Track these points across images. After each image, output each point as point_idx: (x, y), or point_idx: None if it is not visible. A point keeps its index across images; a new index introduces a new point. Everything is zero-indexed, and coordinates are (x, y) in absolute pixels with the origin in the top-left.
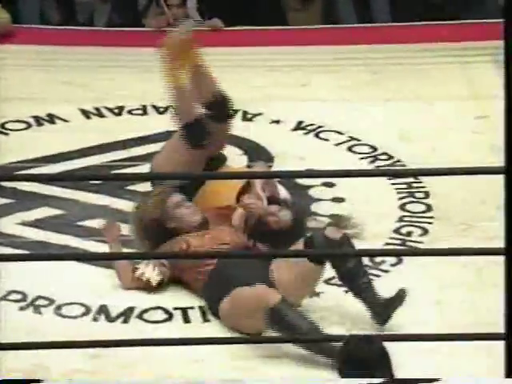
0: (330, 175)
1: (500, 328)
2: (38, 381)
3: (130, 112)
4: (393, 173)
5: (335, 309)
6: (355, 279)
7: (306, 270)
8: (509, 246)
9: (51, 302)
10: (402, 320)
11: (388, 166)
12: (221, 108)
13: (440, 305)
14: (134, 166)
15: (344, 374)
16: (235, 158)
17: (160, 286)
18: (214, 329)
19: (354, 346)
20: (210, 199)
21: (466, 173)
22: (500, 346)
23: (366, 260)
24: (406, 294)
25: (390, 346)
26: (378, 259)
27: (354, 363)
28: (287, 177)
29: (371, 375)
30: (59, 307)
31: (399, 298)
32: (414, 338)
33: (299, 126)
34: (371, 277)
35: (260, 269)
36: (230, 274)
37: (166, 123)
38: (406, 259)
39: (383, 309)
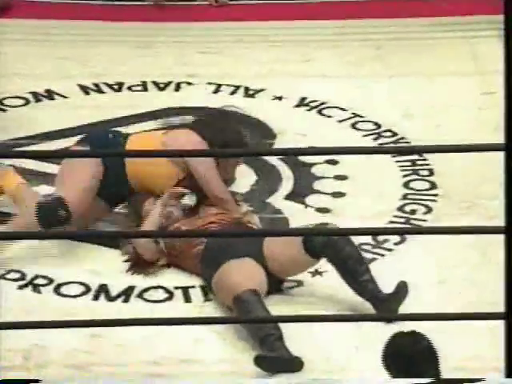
0: (332, 152)
1: (502, 307)
2: (37, 381)
3: (129, 88)
4: (397, 150)
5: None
6: (356, 277)
7: (300, 258)
8: (509, 225)
9: (50, 281)
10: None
11: (392, 143)
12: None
13: (442, 284)
14: None
15: (391, 370)
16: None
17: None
18: (215, 308)
19: (400, 342)
20: (149, 181)
21: (467, 150)
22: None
23: (369, 239)
24: (407, 286)
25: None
26: (381, 238)
27: (401, 359)
28: (289, 154)
29: (418, 372)
30: (58, 286)
31: (402, 290)
32: (411, 317)
33: (302, 103)
34: (374, 256)
35: (250, 244)
36: (221, 249)
37: (166, 100)
38: (409, 238)
39: (387, 304)
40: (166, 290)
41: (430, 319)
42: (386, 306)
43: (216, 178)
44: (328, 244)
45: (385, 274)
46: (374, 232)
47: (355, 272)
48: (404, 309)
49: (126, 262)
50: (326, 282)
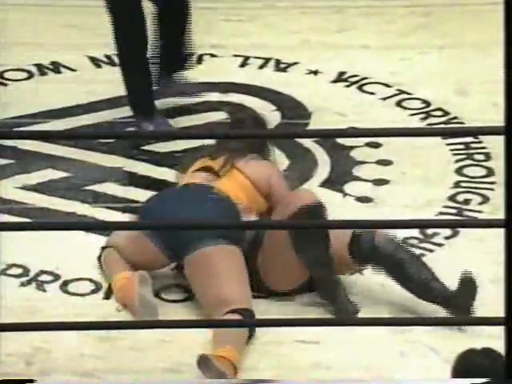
0: (375, 134)
1: None
2: (32, 381)
3: None
4: (448, 131)
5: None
6: (415, 279)
7: (343, 259)
8: (509, 219)
9: (56, 277)
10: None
11: (443, 123)
12: None
13: (497, 283)
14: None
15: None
16: (267, 115)
17: None
18: None
19: (474, 360)
20: None
21: (467, 134)
22: None
23: (416, 232)
24: (472, 276)
25: None
26: (430, 231)
27: (471, 376)
28: (326, 136)
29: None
30: (65, 283)
31: (469, 282)
32: (408, 322)
33: (340, 78)
34: (422, 251)
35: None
36: None
37: (187, 74)
38: (462, 231)
39: (458, 301)
40: (185, 289)
41: (428, 324)
42: (457, 304)
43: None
44: (375, 248)
45: (434, 271)
46: (421, 225)
47: (414, 274)
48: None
49: None
50: (367, 281)
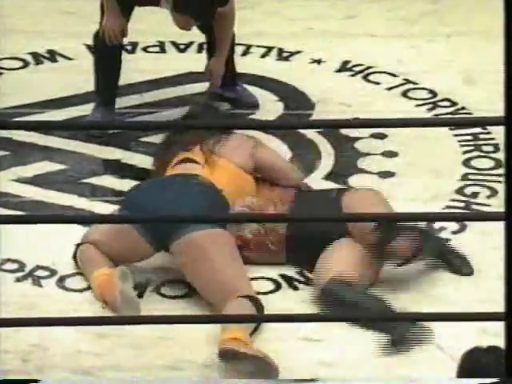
0: (380, 125)
1: None
2: (36, 381)
3: (145, 49)
4: (456, 122)
5: None
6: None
7: None
8: (509, 211)
9: (52, 272)
10: (464, 296)
11: (450, 114)
12: None
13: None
14: (150, 113)
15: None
16: (269, 105)
17: None
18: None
19: (480, 358)
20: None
21: (466, 123)
22: None
23: (422, 225)
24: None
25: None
26: (437, 226)
27: (477, 375)
28: (330, 127)
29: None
30: (62, 279)
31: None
32: (411, 317)
33: (345, 67)
34: None
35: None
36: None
37: (187, 63)
38: (469, 225)
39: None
40: (186, 284)
41: (429, 320)
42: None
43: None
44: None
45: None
46: (422, 218)
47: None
48: (464, 306)
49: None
50: None
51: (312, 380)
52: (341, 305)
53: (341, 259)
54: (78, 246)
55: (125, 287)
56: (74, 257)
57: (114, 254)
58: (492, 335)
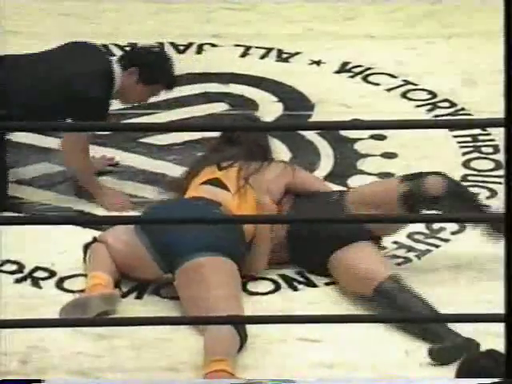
0: (379, 126)
1: None
2: (39, 381)
3: None
4: (455, 124)
5: None
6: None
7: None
8: (508, 212)
9: (52, 273)
10: (464, 298)
11: (449, 115)
12: None
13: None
14: (149, 114)
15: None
16: (269, 106)
17: None
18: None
19: (478, 361)
20: None
21: (468, 126)
22: None
23: (422, 227)
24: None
25: None
26: (437, 226)
27: (477, 377)
28: (329, 128)
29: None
30: (61, 280)
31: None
32: (409, 319)
33: (344, 68)
34: (428, 247)
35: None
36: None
37: (187, 64)
38: (469, 227)
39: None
40: None
41: (428, 321)
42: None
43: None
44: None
45: (440, 267)
46: (420, 219)
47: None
48: (464, 307)
49: None
50: None
51: (288, 381)
52: (393, 306)
53: (371, 259)
54: (94, 240)
55: (97, 304)
56: (85, 249)
57: (123, 262)
58: (491, 336)
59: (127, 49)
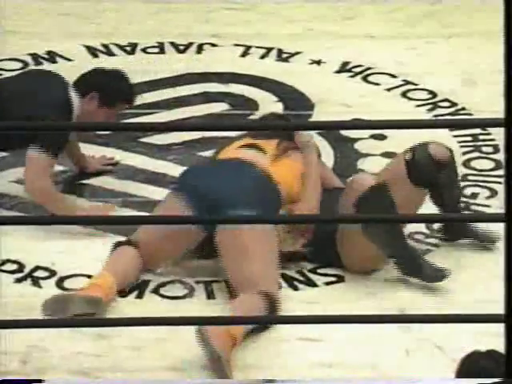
0: (380, 126)
1: None
2: (40, 381)
3: (144, 50)
4: (456, 123)
5: None
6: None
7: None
8: (508, 213)
9: (52, 273)
10: (463, 298)
11: (450, 114)
12: None
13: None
14: (149, 114)
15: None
16: (269, 106)
17: None
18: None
19: (478, 361)
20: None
21: (468, 125)
22: None
23: (421, 227)
24: None
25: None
26: (437, 226)
27: (477, 377)
28: (329, 128)
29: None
30: (61, 280)
31: None
32: (409, 319)
33: (344, 68)
34: (428, 247)
35: None
36: None
37: (187, 64)
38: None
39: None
40: (185, 286)
41: (428, 321)
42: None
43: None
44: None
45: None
46: (421, 219)
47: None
48: (464, 309)
49: None
50: (369, 277)
51: (288, 381)
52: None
53: None
54: (124, 242)
55: (78, 304)
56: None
57: (164, 245)
58: (491, 336)
59: (83, 73)
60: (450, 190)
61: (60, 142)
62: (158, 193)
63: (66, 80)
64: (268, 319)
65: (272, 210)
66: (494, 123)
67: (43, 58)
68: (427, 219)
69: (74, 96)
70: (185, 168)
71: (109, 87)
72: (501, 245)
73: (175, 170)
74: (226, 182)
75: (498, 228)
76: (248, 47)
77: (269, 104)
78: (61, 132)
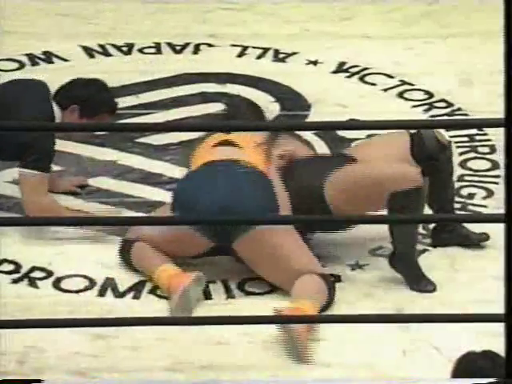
0: (377, 126)
1: None
2: (39, 381)
3: (140, 51)
4: (452, 123)
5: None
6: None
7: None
8: (509, 213)
9: (49, 273)
10: (464, 298)
11: (446, 115)
12: None
13: (501, 280)
14: (146, 114)
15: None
16: (265, 106)
17: None
18: (238, 307)
19: (475, 362)
20: None
21: (467, 125)
22: None
23: (419, 227)
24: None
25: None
26: (433, 226)
27: (473, 378)
28: (326, 128)
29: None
30: (58, 280)
31: None
32: (409, 319)
33: (341, 68)
34: (425, 247)
35: None
36: None
37: (183, 64)
38: (466, 226)
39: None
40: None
41: (428, 321)
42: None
43: None
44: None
45: (438, 267)
46: (421, 220)
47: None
48: (464, 308)
49: None
50: (367, 277)
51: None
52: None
53: None
54: (126, 241)
55: (192, 290)
56: (122, 252)
57: (172, 249)
58: (488, 336)
59: (62, 85)
60: (447, 178)
61: (49, 155)
62: (154, 193)
63: (49, 90)
64: (268, 319)
65: (272, 204)
66: (494, 123)
67: (39, 59)
68: (426, 219)
69: (55, 109)
70: (178, 182)
71: (89, 99)
72: (499, 244)
73: (172, 170)
74: (228, 194)
75: (489, 229)
76: (245, 47)
77: (265, 104)
78: (47, 146)
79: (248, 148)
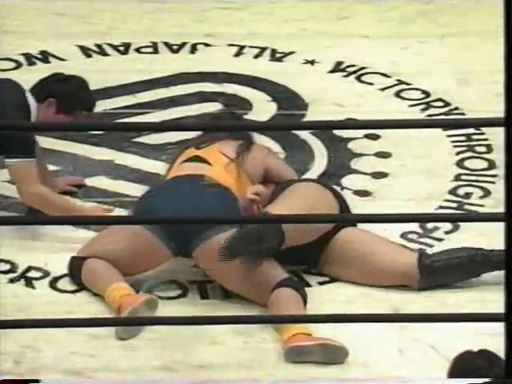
0: (373, 126)
1: None
2: (37, 381)
3: (137, 50)
4: (449, 123)
5: None
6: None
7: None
8: (509, 212)
9: (45, 273)
10: (460, 298)
11: (443, 114)
12: None
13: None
14: (142, 114)
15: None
16: (262, 106)
17: None
18: (235, 306)
19: (471, 361)
20: None
21: (467, 125)
22: None
23: (415, 227)
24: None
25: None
26: (430, 225)
27: (469, 377)
28: (323, 128)
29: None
30: (54, 280)
31: None
32: (408, 318)
33: (338, 68)
34: (422, 246)
35: None
36: None
37: (180, 64)
38: (463, 225)
39: None
40: (179, 286)
41: (427, 320)
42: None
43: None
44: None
45: None
46: (420, 219)
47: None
48: (460, 308)
49: None
50: None
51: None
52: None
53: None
54: (77, 259)
55: (140, 312)
56: (71, 270)
57: (128, 262)
58: (485, 336)
59: (41, 78)
60: None
61: (30, 140)
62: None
63: (22, 86)
64: (264, 318)
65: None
66: (493, 123)
67: (36, 58)
68: (425, 219)
69: (31, 100)
70: (141, 195)
71: (67, 95)
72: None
73: None
74: (188, 205)
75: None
76: (242, 47)
77: (262, 104)
78: (27, 143)
79: (218, 165)
